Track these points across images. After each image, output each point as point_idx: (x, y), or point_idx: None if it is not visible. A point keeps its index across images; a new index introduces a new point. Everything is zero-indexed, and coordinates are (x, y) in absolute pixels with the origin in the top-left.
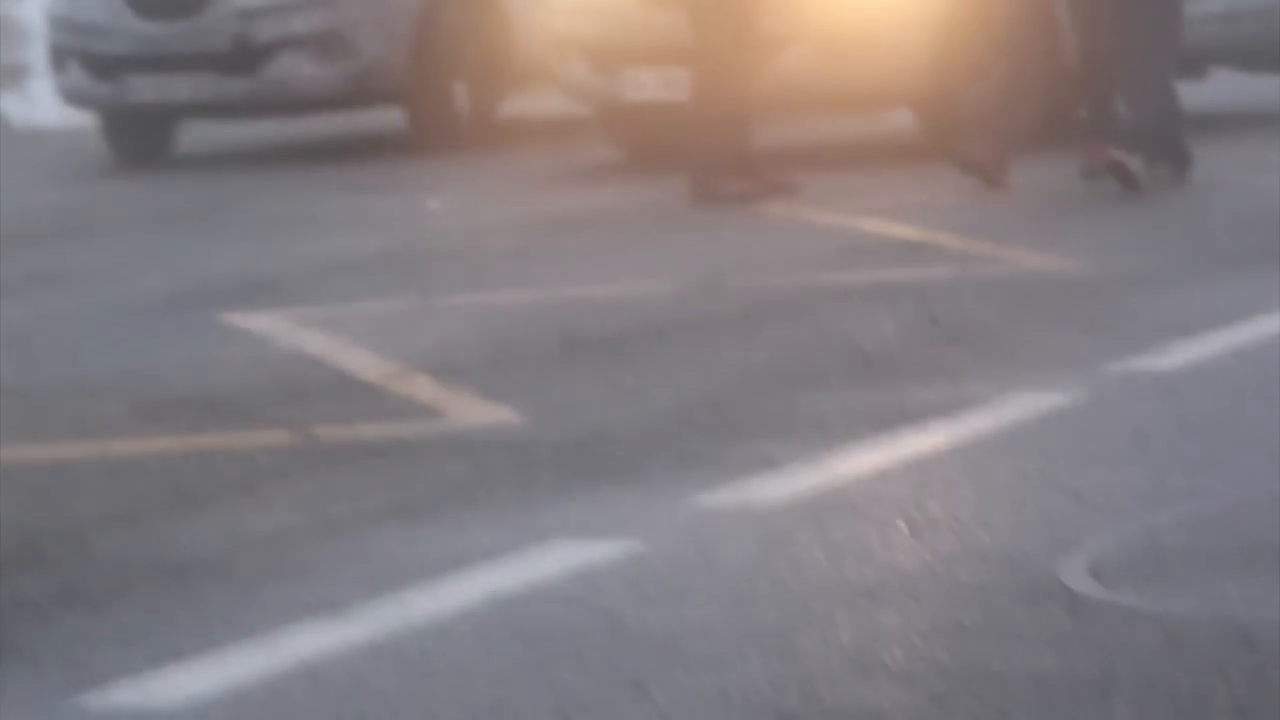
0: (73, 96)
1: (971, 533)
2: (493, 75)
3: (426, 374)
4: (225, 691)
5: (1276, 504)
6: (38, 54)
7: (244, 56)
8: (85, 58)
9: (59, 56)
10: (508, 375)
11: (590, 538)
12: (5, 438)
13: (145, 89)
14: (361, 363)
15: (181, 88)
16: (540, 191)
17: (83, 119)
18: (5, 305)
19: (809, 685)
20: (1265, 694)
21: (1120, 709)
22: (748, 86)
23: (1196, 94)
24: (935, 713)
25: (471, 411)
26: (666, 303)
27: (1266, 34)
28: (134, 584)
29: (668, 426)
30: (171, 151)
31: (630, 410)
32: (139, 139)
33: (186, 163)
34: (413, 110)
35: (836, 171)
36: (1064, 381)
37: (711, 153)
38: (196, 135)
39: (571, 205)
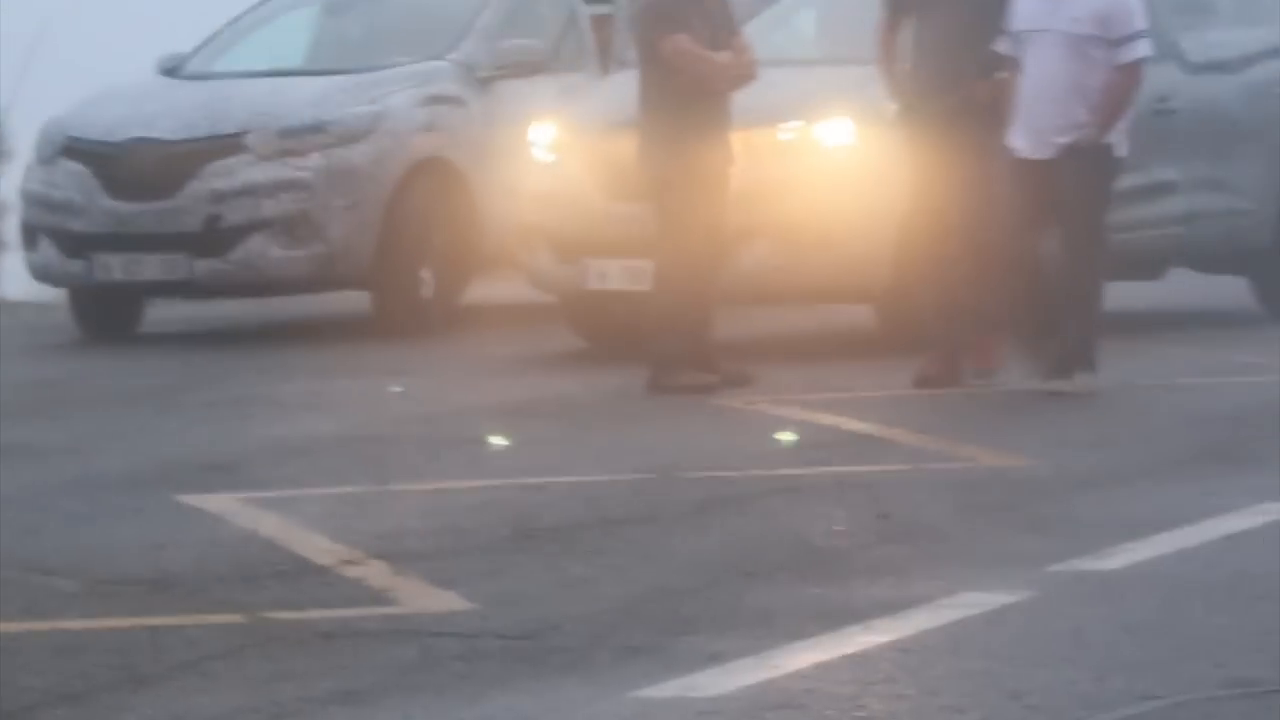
0: (42, 273)
1: None
2: (459, 262)
3: (379, 559)
4: None
5: (1214, 708)
6: (10, 229)
7: (215, 238)
8: (57, 235)
9: (31, 233)
10: (459, 562)
11: None
12: None
13: (115, 268)
14: (315, 546)
15: (151, 267)
16: (502, 378)
17: (53, 294)
18: None
19: None
20: None
21: None
22: (709, 279)
23: (1154, 294)
24: None
25: (422, 598)
26: (620, 493)
27: (1224, 236)
28: None
29: (615, 618)
30: (139, 329)
31: (579, 600)
32: (107, 316)
33: (153, 340)
34: (379, 295)
35: (794, 364)
36: (1009, 581)
37: (670, 344)
38: (164, 313)
39: (532, 393)
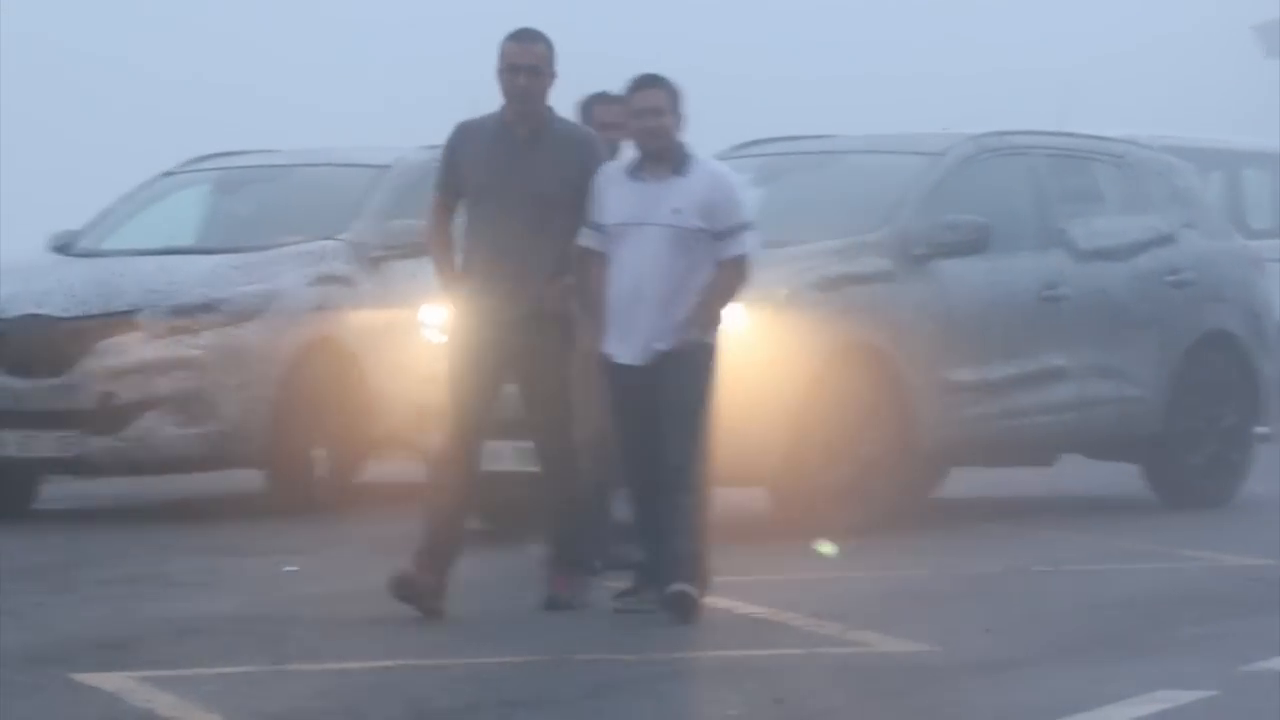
0: None
1: None
2: (353, 441)
3: None
4: None
5: None
6: None
7: (108, 415)
8: None
9: None
10: None
11: None
12: None
13: (8, 444)
14: None
15: (45, 444)
16: (396, 557)
17: None
18: None
19: None
20: None
21: None
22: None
23: (1045, 480)
24: None
25: None
26: (516, 675)
27: (1115, 422)
28: None
29: None
30: (32, 505)
31: None
32: (2, 493)
33: (47, 517)
34: (273, 474)
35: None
36: None
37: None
38: (58, 490)
39: None
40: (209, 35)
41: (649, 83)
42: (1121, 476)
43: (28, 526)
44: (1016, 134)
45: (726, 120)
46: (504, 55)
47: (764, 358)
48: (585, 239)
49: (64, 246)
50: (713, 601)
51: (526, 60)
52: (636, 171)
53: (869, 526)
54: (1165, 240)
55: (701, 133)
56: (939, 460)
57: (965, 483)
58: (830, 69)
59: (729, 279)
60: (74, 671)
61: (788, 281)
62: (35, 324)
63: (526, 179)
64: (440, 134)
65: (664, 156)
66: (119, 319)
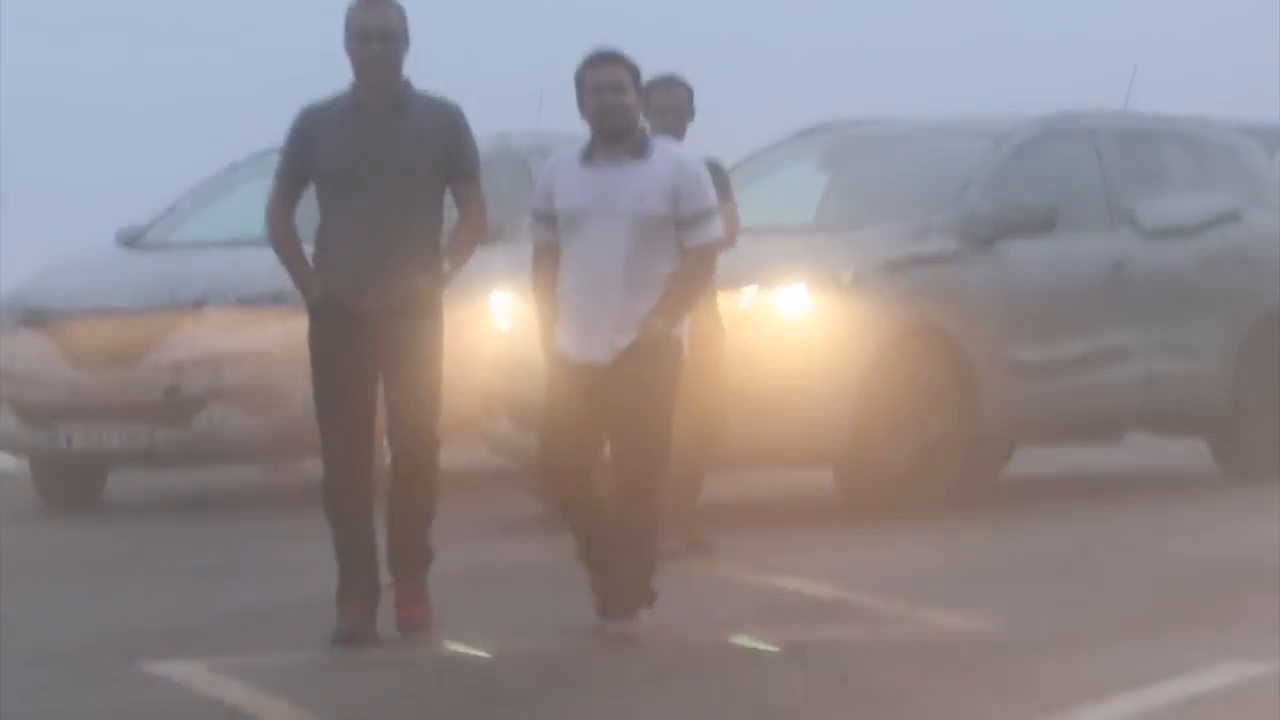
0: (4, 443)
1: None
2: None
3: None
4: None
5: None
6: None
7: (175, 407)
8: (18, 405)
9: None
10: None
11: None
12: None
13: (77, 437)
14: (280, 713)
15: (113, 437)
16: (463, 544)
17: (14, 463)
18: None
19: None
20: None
21: None
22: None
23: (1112, 457)
24: None
25: None
26: (581, 658)
27: (1182, 399)
28: None
29: None
30: (101, 498)
31: None
32: (70, 485)
33: (115, 509)
34: None
35: (755, 529)
36: None
37: None
38: (126, 482)
39: (493, 558)
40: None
41: (608, 58)
42: (1188, 453)
43: (96, 518)
44: (1083, 115)
45: (774, 98)
46: (352, 24)
47: (830, 339)
48: (533, 231)
49: (131, 240)
50: (779, 582)
51: (378, 25)
52: (591, 157)
53: (934, 506)
54: (1231, 218)
55: (752, 114)
56: (1005, 439)
57: (1031, 461)
58: (885, 42)
59: (698, 269)
60: (143, 661)
61: (853, 263)
62: (103, 317)
63: (390, 157)
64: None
65: (623, 139)
66: (186, 311)
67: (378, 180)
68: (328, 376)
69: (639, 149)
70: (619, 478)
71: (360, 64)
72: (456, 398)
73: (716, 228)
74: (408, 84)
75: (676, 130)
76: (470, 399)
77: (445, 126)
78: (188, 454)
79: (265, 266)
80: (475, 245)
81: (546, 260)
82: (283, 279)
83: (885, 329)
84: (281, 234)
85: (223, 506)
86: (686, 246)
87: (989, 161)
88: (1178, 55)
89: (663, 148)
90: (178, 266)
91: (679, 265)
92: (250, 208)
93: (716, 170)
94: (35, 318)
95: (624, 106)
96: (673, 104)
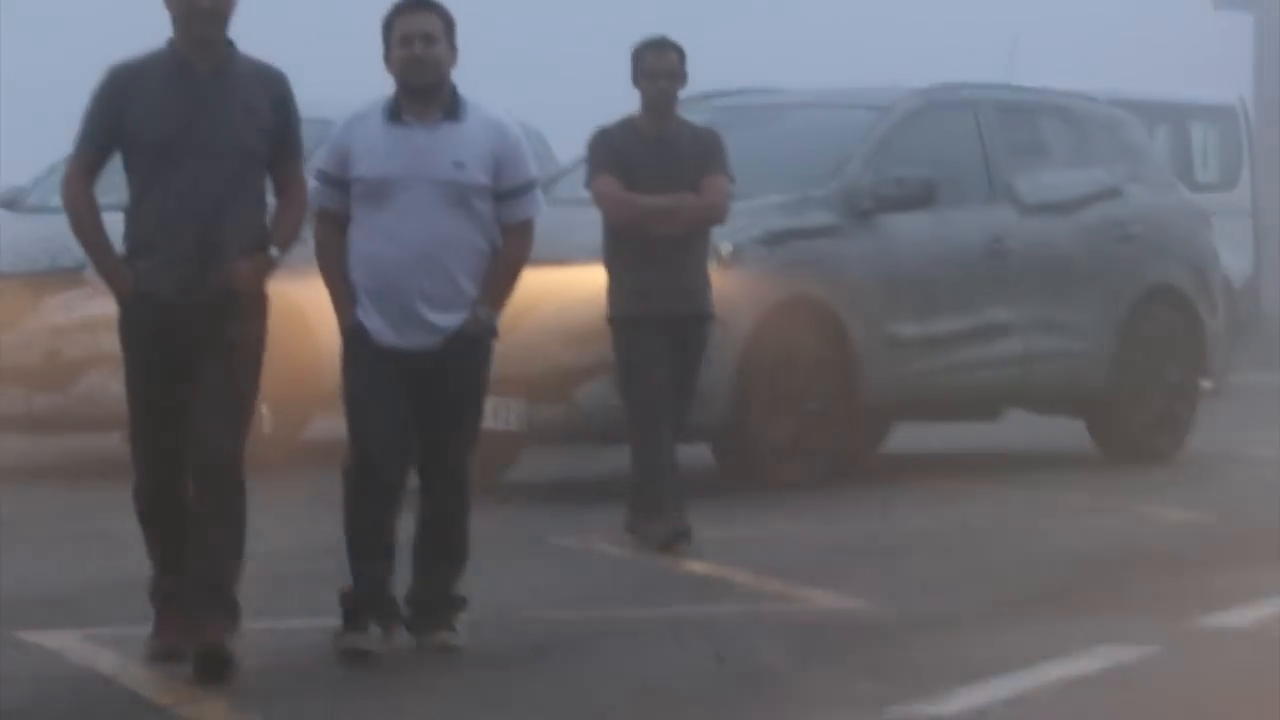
0: None
1: None
2: (298, 398)
3: (218, 698)
4: None
5: None
6: None
7: (54, 373)
8: None
9: None
10: (298, 702)
11: None
12: None
13: None
14: (154, 684)
15: None
16: (341, 515)
17: None
18: None
19: None
20: None
21: None
22: None
23: (990, 435)
24: None
25: None
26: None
27: (1060, 377)
28: None
29: None
30: None
31: None
32: None
33: None
34: None
35: None
36: None
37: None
38: (3, 447)
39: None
40: None
41: (418, 4)
42: (1067, 431)
43: None
44: (964, 87)
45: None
46: None
47: None
48: (321, 197)
49: (10, 203)
50: (656, 558)
51: None
52: (397, 115)
53: (813, 482)
54: (1111, 194)
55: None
56: (883, 415)
57: (910, 438)
58: (772, 20)
59: (520, 248)
60: (17, 629)
61: (732, 236)
62: None
63: (217, 127)
64: None
65: (434, 96)
66: (66, 275)
67: (202, 152)
68: (141, 377)
69: (452, 108)
70: (436, 471)
71: (183, 16)
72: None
73: (539, 201)
74: (232, 45)
75: (669, 95)
76: None
77: (273, 97)
78: (66, 420)
79: None
80: (300, 229)
81: (338, 232)
82: None
83: (763, 302)
84: (83, 212)
85: (100, 474)
86: (506, 222)
87: (869, 134)
88: (1059, 30)
89: (477, 108)
90: (58, 230)
91: (504, 243)
92: None
93: (715, 140)
94: None
95: (435, 59)
96: (664, 68)
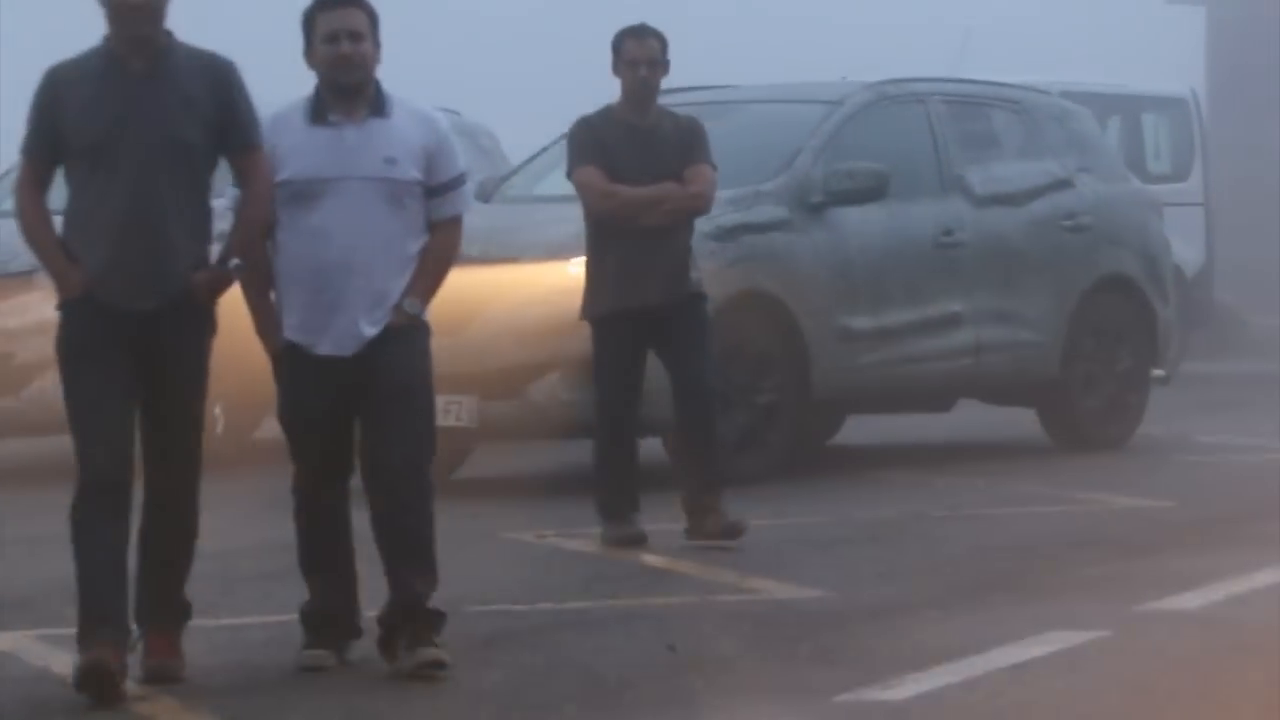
0: None
1: None
2: (250, 397)
3: (170, 695)
4: None
5: None
6: None
7: (7, 377)
8: None
9: None
10: (250, 699)
11: None
12: None
13: None
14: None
15: None
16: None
17: None
18: None
19: None
20: None
21: None
22: None
23: (942, 425)
24: None
25: None
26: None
27: (1012, 368)
28: None
29: None
30: None
31: None
32: None
33: None
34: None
35: (583, 497)
36: (796, 713)
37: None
38: None
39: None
40: None
41: (344, 1)
42: (1018, 421)
43: None
44: (914, 81)
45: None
46: None
47: None
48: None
49: None
50: (607, 550)
51: None
52: (321, 114)
53: (765, 474)
54: (1062, 185)
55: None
56: (835, 407)
57: (862, 429)
58: (720, 11)
59: (449, 244)
60: None
61: None
62: None
63: (154, 125)
64: None
65: (361, 93)
66: (18, 279)
67: (142, 152)
68: (86, 384)
69: (379, 104)
70: (387, 475)
71: (116, 13)
72: None
73: (468, 197)
74: (171, 37)
75: (650, 84)
76: None
77: (214, 86)
78: (19, 424)
79: None
80: (262, 227)
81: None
82: None
83: (715, 296)
84: (35, 221)
85: (52, 477)
86: (436, 218)
87: (821, 128)
88: (1010, 23)
89: (403, 102)
90: (9, 233)
91: (431, 239)
92: None
93: (698, 130)
94: None
95: (362, 56)
96: (645, 55)
